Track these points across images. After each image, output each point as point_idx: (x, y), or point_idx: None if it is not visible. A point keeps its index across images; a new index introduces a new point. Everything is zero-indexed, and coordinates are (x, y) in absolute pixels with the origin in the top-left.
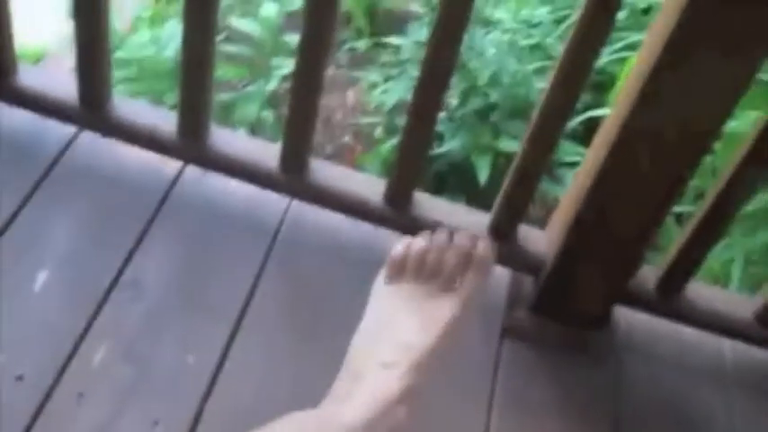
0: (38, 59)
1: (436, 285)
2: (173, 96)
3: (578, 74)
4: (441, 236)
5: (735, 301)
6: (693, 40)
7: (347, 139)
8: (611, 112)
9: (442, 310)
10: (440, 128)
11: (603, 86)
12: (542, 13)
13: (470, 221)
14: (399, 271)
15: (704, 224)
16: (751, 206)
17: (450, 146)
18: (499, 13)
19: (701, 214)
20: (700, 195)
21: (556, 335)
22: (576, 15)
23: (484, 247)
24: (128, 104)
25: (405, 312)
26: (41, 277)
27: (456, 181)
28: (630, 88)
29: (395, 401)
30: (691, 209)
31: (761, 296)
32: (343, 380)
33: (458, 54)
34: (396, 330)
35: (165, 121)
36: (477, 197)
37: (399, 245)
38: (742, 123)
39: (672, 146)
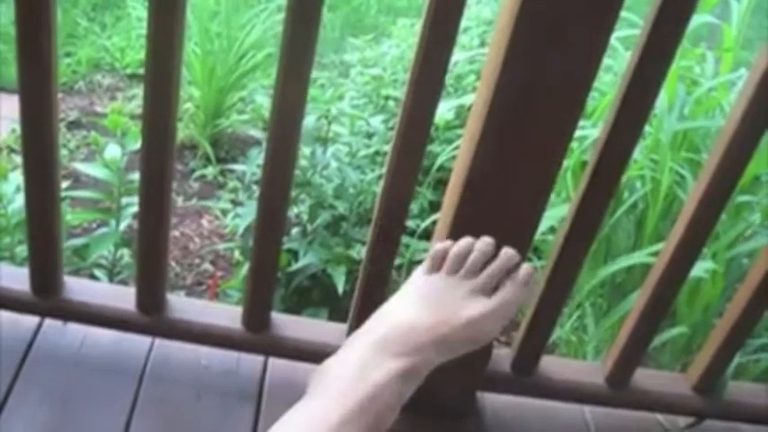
0: None
1: (472, 286)
2: (23, 250)
3: (407, 178)
4: (486, 243)
5: (586, 370)
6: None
7: (207, 265)
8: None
9: (471, 307)
10: (294, 245)
11: (445, 183)
12: (377, 122)
13: (328, 332)
14: (439, 263)
15: (543, 303)
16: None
17: (307, 261)
18: (336, 128)
19: (539, 294)
20: None
21: (426, 429)
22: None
23: (527, 267)
24: None
25: (430, 300)
26: None
27: (319, 294)
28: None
29: (382, 386)
30: None
31: (609, 360)
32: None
33: (293, 174)
34: (409, 315)
35: (17, 277)
36: (339, 307)
37: (445, 241)
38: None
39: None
